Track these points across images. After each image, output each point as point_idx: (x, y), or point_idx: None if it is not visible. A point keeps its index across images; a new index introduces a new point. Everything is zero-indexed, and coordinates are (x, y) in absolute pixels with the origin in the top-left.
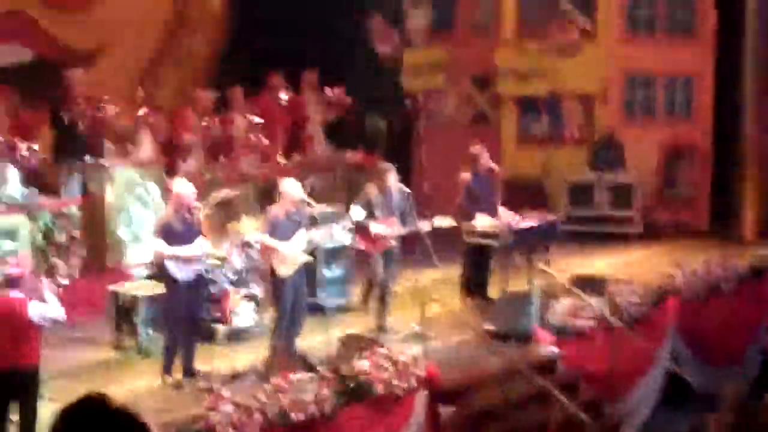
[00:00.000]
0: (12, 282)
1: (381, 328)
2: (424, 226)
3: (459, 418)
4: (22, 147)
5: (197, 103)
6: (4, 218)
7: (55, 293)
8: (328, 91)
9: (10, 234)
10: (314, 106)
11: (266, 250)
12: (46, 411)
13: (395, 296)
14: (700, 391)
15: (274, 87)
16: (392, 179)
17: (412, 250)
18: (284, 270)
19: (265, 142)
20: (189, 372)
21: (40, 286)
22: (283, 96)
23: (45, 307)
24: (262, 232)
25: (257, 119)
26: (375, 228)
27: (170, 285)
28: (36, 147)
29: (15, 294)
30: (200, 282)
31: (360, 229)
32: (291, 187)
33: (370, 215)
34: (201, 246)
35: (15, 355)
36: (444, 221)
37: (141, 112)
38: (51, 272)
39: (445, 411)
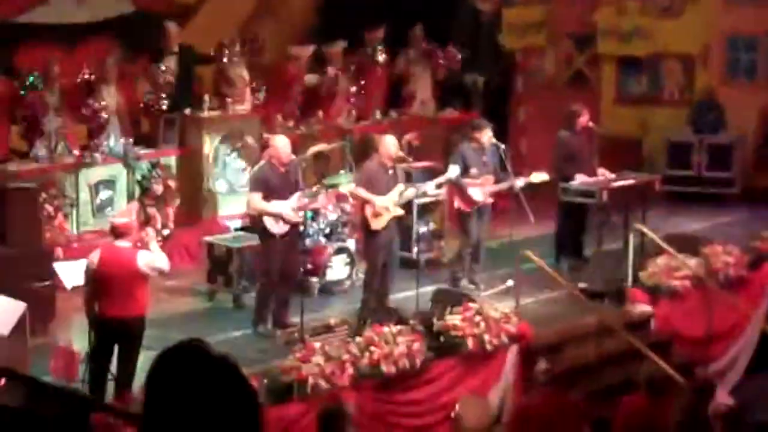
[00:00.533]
0: (120, 232)
1: (473, 283)
2: (519, 182)
3: (550, 374)
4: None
5: (295, 59)
6: (103, 168)
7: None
8: (439, 52)
9: (109, 184)
10: (420, 63)
11: (359, 203)
12: (140, 359)
13: (490, 252)
14: None
15: (372, 43)
16: (488, 136)
17: (507, 206)
18: (377, 223)
19: (362, 97)
20: (282, 324)
21: (145, 236)
22: (381, 52)
23: (153, 257)
24: (357, 185)
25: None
26: (471, 190)
27: (265, 237)
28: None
29: (124, 244)
30: (295, 235)
31: (455, 186)
32: (388, 143)
33: (465, 172)
34: (297, 200)
35: (125, 305)
36: (540, 176)
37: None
38: (148, 222)
39: (537, 367)
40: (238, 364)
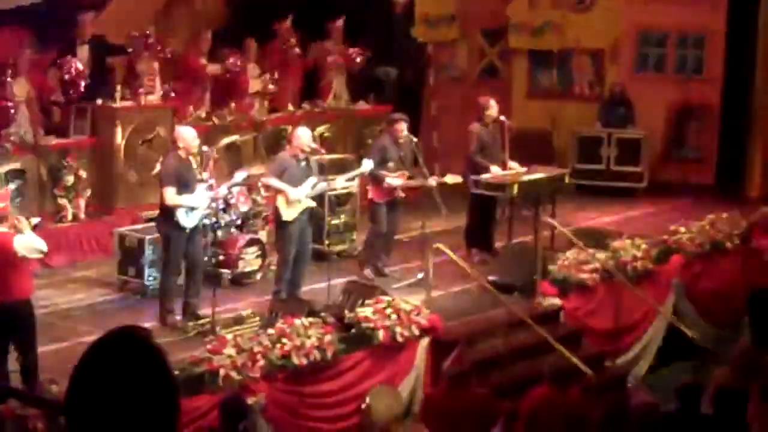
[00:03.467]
0: None
1: (381, 274)
2: (431, 181)
3: (460, 367)
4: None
5: (200, 44)
6: (14, 158)
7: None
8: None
9: (19, 173)
10: (336, 56)
11: (272, 194)
12: (51, 351)
13: (401, 244)
14: (701, 346)
15: (283, 35)
16: (404, 129)
17: (419, 199)
18: (289, 214)
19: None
20: (192, 315)
21: (18, 223)
22: (296, 44)
23: (30, 239)
24: (269, 176)
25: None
26: (390, 180)
27: (174, 229)
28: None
29: (1, 229)
30: (204, 226)
31: (371, 178)
32: (302, 135)
33: (383, 165)
34: (204, 192)
35: (5, 290)
36: (454, 178)
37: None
38: (57, 212)
39: (446, 360)
40: (167, 357)
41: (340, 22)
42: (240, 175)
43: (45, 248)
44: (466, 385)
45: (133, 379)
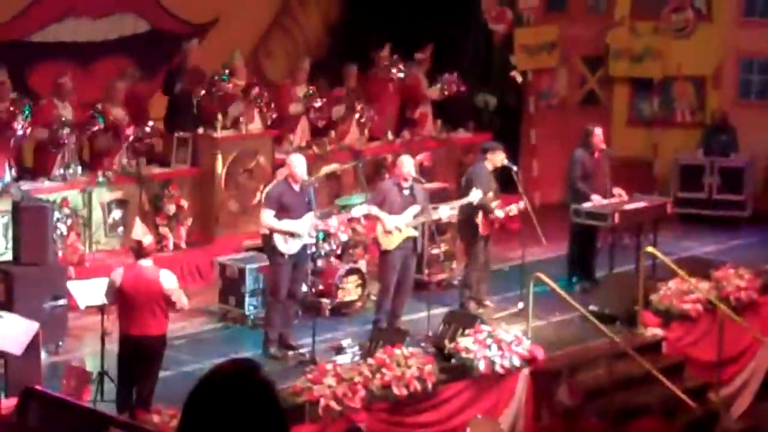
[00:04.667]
0: (146, 251)
1: (480, 305)
2: (499, 212)
3: (576, 398)
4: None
5: (298, 74)
6: (116, 187)
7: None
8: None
9: (121, 203)
10: (426, 84)
11: (372, 222)
12: None
13: (501, 274)
14: None
15: (383, 64)
16: (501, 158)
17: (519, 228)
18: (387, 242)
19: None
20: (290, 345)
21: None
22: (396, 72)
23: (174, 278)
24: (372, 204)
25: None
26: (497, 212)
27: (275, 257)
28: (150, 123)
29: (146, 263)
30: (305, 255)
31: (480, 209)
32: (405, 163)
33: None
34: (309, 220)
35: (147, 324)
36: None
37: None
38: (159, 241)
39: (560, 391)
40: (277, 390)
41: (425, 53)
42: (359, 210)
43: (186, 305)
44: (578, 416)
45: (245, 412)
